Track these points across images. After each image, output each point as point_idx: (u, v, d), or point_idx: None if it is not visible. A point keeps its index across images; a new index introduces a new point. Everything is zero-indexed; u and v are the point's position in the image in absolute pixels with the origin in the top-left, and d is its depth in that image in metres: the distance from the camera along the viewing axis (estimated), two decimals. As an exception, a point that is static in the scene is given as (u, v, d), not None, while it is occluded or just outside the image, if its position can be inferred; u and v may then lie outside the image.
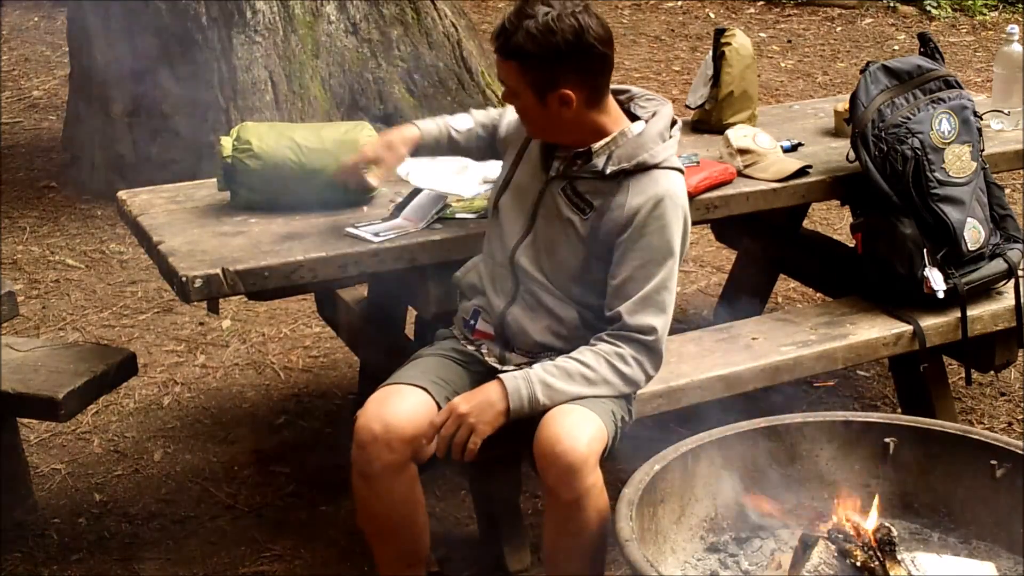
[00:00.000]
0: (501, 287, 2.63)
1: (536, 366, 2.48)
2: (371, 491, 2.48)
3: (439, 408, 2.50)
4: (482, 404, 2.43)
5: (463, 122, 2.84)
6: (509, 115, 2.77)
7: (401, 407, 2.46)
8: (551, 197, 2.57)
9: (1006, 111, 3.62)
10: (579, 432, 2.36)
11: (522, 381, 2.43)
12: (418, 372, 2.59)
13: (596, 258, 2.53)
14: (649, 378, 2.54)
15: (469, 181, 2.90)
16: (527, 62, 2.43)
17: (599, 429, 2.41)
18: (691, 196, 2.99)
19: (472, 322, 2.67)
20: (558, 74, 2.43)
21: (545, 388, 2.43)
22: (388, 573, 2.61)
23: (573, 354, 2.49)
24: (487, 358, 2.64)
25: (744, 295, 4.02)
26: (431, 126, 2.82)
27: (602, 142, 2.52)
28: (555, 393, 2.43)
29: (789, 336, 3.15)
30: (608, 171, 2.50)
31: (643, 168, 2.50)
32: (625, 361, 2.49)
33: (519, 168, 2.66)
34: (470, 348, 2.68)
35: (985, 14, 8.87)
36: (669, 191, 2.49)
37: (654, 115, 2.57)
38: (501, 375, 2.46)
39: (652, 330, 2.49)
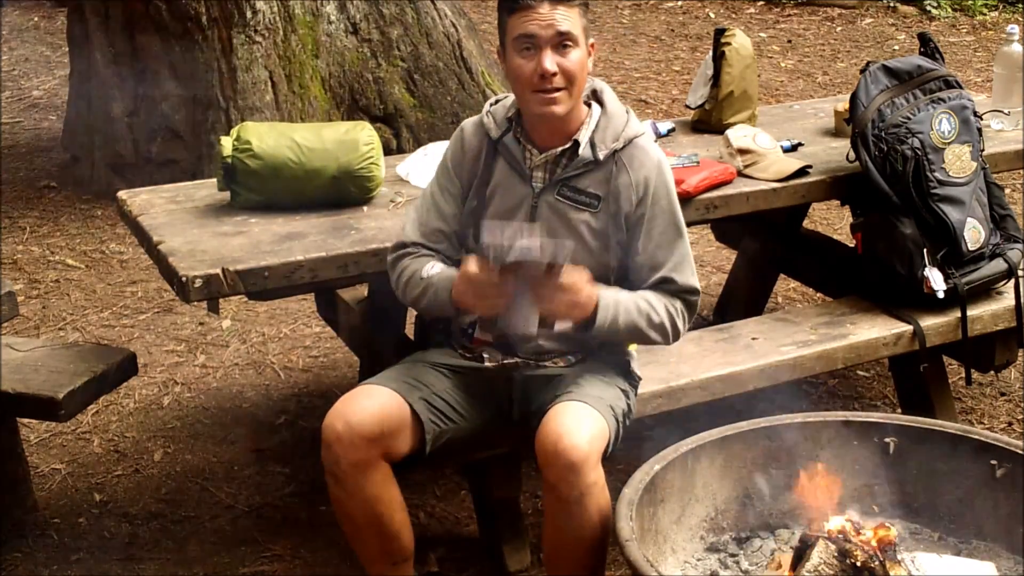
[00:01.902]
0: None
1: (624, 296, 2.51)
2: (342, 490, 2.48)
3: (411, 408, 2.50)
4: (575, 306, 2.45)
5: (434, 266, 2.59)
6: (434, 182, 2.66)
7: (365, 406, 2.46)
8: (547, 208, 2.55)
9: (1006, 111, 3.62)
10: (581, 429, 2.36)
11: (611, 311, 2.48)
12: (393, 374, 2.59)
13: (616, 244, 2.55)
14: (682, 335, 2.62)
15: None
16: (583, 5, 2.47)
17: (601, 426, 2.41)
18: (691, 196, 3.01)
19: (470, 331, 2.66)
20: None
21: (626, 315, 2.49)
22: (374, 573, 2.61)
23: (644, 293, 2.53)
24: (488, 363, 2.63)
25: (744, 295, 4.02)
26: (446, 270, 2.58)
27: (582, 131, 2.53)
28: (629, 320, 2.50)
29: (789, 336, 3.15)
30: (601, 156, 2.52)
31: (628, 142, 2.54)
32: (679, 316, 2.57)
33: (493, 199, 2.59)
34: (467, 359, 2.66)
35: (985, 14, 8.87)
36: (660, 157, 2.59)
37: (594, 92, 2.59)
38: (601, 296, 2.47)
39: (696, 291, 2.58)
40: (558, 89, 2.44)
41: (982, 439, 2.49)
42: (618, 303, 2.49)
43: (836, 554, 2.20)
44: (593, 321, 2.47)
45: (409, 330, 3.40)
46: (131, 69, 5.51)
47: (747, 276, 4.07)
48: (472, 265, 2.42)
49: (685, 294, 2.56)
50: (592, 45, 2.50)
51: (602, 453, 2.41)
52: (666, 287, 2.55)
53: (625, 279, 2.58)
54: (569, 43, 2.42)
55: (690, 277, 2.57)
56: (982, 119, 3.32)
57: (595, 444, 2.37)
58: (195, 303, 2.81)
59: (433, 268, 2.56)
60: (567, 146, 2.53)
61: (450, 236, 2.62)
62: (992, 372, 3.65)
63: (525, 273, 2.38)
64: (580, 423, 2.38)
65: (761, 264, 4.02)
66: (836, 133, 3.58)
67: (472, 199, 2.60)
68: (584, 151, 2.53)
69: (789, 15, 9.04)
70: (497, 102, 2.64)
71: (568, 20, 2.41)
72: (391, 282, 2.65)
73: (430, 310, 2.62)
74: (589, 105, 2.57)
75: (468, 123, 2.66)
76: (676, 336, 2.58)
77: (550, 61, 2.41)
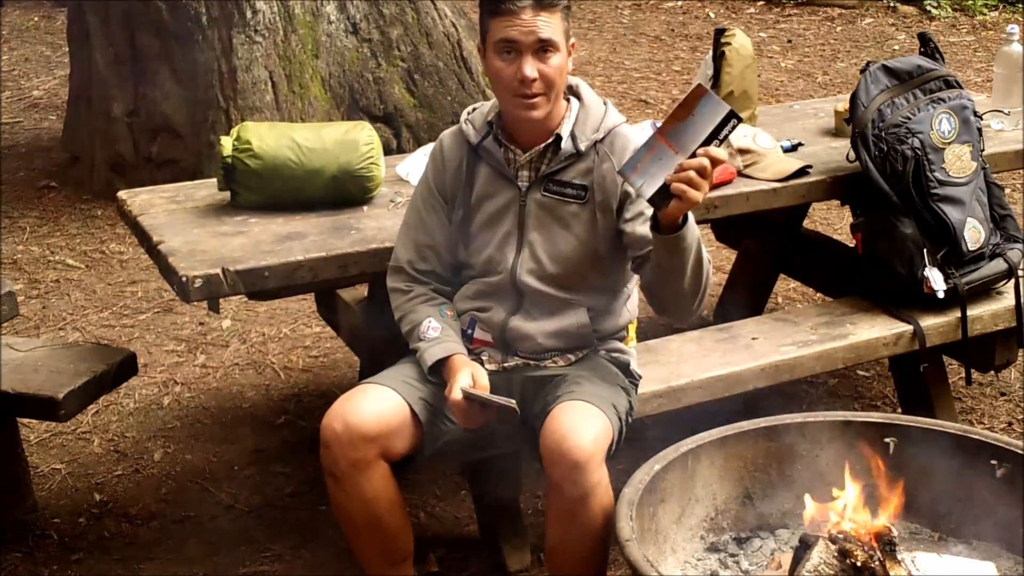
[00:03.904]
0: (501, 302, 2.62)
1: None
2: (341, 490, 2.48)
3: (410, 408, 2.50)
4: (694, 195, 2.21)
5: (439, 319, 2.62)
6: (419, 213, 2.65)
7: (364, 406, 2.46)
8: (535, 206, 2.56)
9: (1006, 111, 3.62)
10: (585, 429, 2.37)
11: (692, 222, 2.31)
12: (392, 374, 2.59)
13: (607, 231, 2.54)
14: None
15: None
16: (566, 9, 2.46)
17: (605, 425, 2.42)
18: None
19: (469, 331, 2.66)
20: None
21: (696, 233, 2.34)
22: (374, 572, 2.61)
23: None
24: (488, 364, 2.63)
25: (744, 295, 4.02)
26: (453, 344, 2.58)
27: (563, 125, 2.53)
28: (698, 239, 2.35)
29: (789, 336, 3.15)
30: (583, 147, 2.52)
31: (608, 132, 2.55)
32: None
33: (481, 206, 2.60)
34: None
35: (985, 14, 8.87)
36: (642, 141, 2.52)
37: (571, 87, 2.58)
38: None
39: (708, 261, 2.51)
40: (537, 94, 2.45)
41: (982, 439, 2.49)
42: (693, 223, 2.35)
43: (836, 554, 2.20)
44: (686, 220, 2.28)
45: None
46: (131, 69, 5.51)
47: (747, 276, 4.07)
48: (455, 395, 2.45)
49: None
50: (572, 45, 2.50)
51: (606, 452, 2.41)
52: None
53: (619, 268, 2.59)
54: (550, 49, 2.42)
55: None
56: (982, 119, 3.32)
57: (599, 443, 2.38)
58: (195, 303, 2.81)
59: (428, 330, 2.59)
60: (549, 142, 2.54)
61: (439, 251, 2.64)
62: (992, 372, 3.65)
63: None
64: (584, 422, 2.38)
65: (761, 264, 4.02)
66: (836, 133, 3.58)
67: (458, 210, 2.61)
68: (566, 144, 2.53)
69: (789, 15, 9.04)
70: (474, 109, 2.65)
71: (550, 26, 2.41)
72: (391, 306, 2.68)
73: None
74: (568, 100, 2.58)
75: (446, 135, 2.67)
76: (706, 295, 2.45)
77: (531, 68, 2.41)
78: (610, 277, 2.62)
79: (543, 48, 2.42)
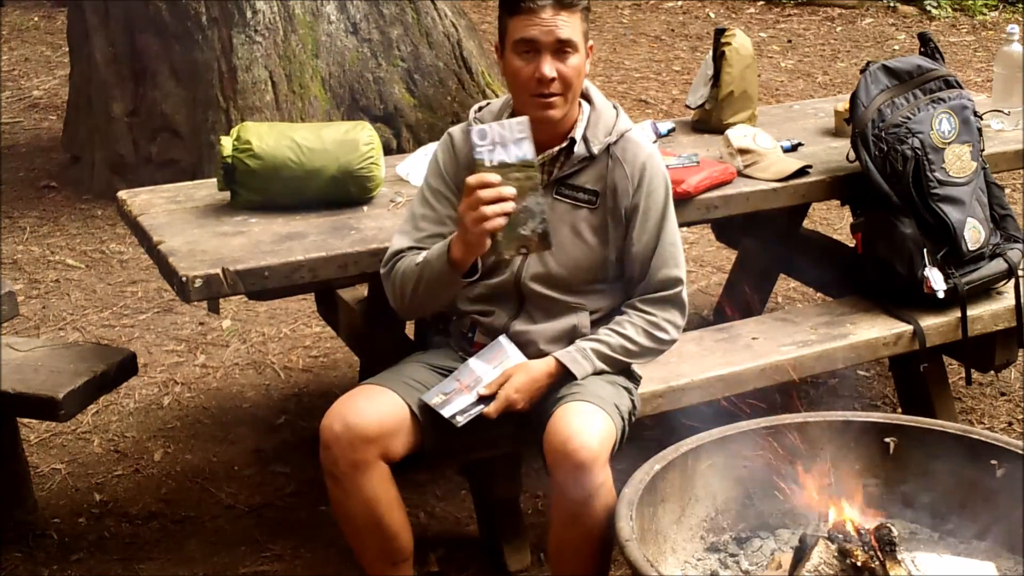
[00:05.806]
0: (502, 306, 2.62)
1: (587, 346, 2.54)
2: (341, 491, 2.48)
3: (410, 409, 2.50)
4: (538, 391, 2.51)
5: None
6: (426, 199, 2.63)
7: (364, 407, 2.46)
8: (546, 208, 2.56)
9: (1006, 111, 3.62)
10: (590, 430, 2.36)
11: (584, 363, 2.54)
12: (392, 374, 2.59)
13: (616, 237, 2.56)
14: (680, 329, 2.62)
15: None
16: (585, 10, 2.47)
17: (608, 426, 2.42)
18: (691, 196, 3.01)
19: (470, 335, 2.66)
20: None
21: (601, 359, 2.55)
22: (374, 573, 2.60)
23: (616, 328, 2.56)
24: None
25: (744, 295, 4.02)
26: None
27: (576, 129, 2.54)
28: (608, 359, 2.56)
29: (789, 336, 3.15)
30: (595, 151, 2.53)
31: (620, 136, 2.56)
32: (660, 328, 2.58)
33: None
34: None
35: (985, 14, 8.87)
36: (652, 148, 2.61)
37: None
38: (565, 363, 2.52)
39: (678, 281, 2.58)
40: (555, 94, 2.45)
41: (982, 439, 2.49)
42: (586, 354, 2.54)
43: (836, 554, 2.20)
44: (571, 374, 2.52)
45: (409, 330, 3.40)
46: (131, 69, 5.51)
47: (747, 276, 4.07)
48: (471, 179, 2.33)
49: (665, 290, 2.57)
50: (590, 47, 2.50)
51: (610, 452, 2.41)
52: (642, 288, 2.57)
53: (622, 273, 2.60)
54: (569, 49, 2.43)
55: (672, 269, 2.58)
56: (982, 119, 3.32)
57: (604, 444, 2.38)
58: (195, 303, 2.81)
59: (425, 253, 2.56)
60: (563, 145, 2.54)
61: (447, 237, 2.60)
62: (992, 372, 3.65)
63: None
64: (589, 423, 2.38)
65: (761, 264, 4.02)
66: (836, 133, 3.58)
67: None
68: (579, 148, 2.53)
69: (789, 15, 9.04)
70: (481, 108, 2.63)
71: (569, 26, 2.42)
72: (387, 294, 2.63)
73: (429, 294, 2.52)
74: (579, 104, 2.58)
75: (456, 130, 2.65)
76: (670, 343, 2.61)
77: (549, 67, 2.42)
78: (616, 282, 2.62)
79: (562, 48, 2.42)
